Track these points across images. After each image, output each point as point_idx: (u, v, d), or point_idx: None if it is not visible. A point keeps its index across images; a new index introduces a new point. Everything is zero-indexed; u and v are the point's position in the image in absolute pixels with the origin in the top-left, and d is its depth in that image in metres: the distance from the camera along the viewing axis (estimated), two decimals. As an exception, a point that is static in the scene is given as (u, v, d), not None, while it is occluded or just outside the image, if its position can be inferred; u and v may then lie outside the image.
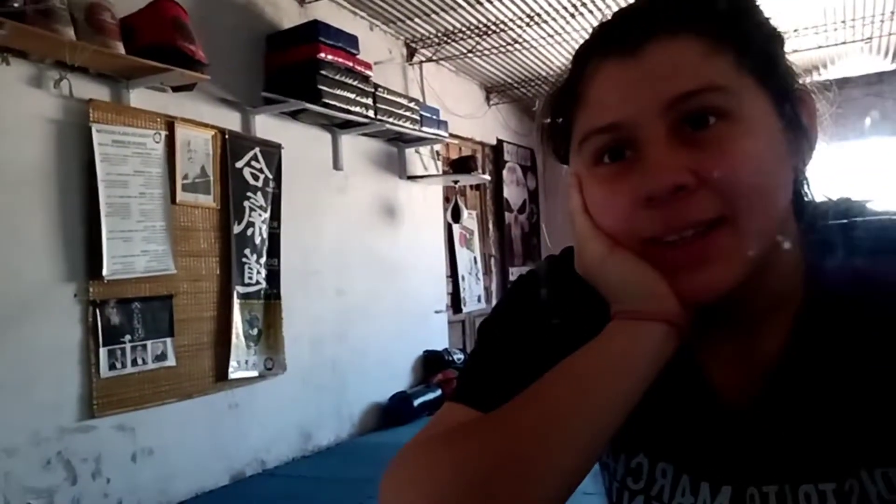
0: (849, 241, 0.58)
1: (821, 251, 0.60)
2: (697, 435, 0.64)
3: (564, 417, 0.55)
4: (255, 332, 3.43)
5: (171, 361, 2.99)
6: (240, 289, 3.33)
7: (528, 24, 4.58)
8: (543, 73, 5.70)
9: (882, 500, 0.57)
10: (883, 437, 0.57)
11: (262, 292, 3.46)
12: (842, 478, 0.58)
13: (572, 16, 4.44)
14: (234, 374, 3.28)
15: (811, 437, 0.60)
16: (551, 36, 4.80)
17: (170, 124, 2.98)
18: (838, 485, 0.58)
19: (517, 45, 4.96)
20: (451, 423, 0.61)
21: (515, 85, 5.99)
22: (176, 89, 2.97)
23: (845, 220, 0.61)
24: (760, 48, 0.58)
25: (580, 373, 0.56)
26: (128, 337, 2.82)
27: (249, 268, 3.39)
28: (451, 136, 5.01)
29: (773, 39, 0.60)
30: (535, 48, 5.06)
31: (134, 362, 2.84)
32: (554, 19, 4.51)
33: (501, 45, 4.95)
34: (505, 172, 6.29)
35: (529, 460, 0.53)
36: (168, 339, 2.98)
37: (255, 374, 3.41)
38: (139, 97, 2.87)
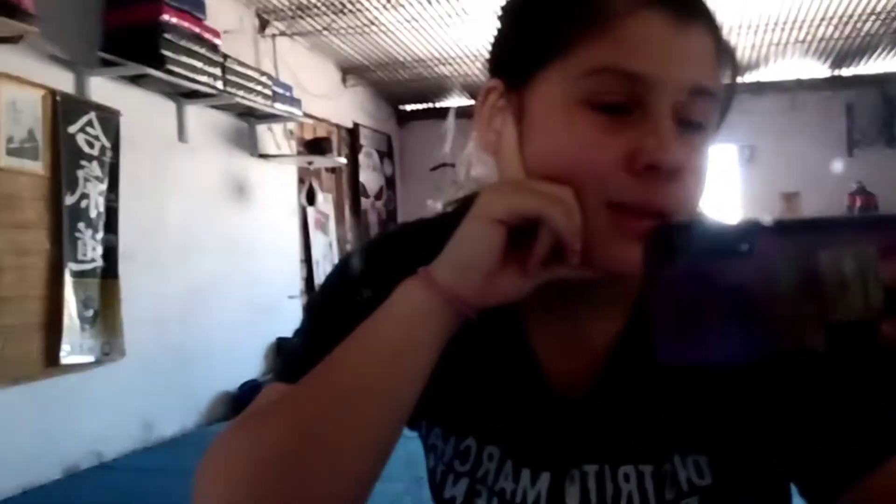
0: (691, 238, 0.66)
1: None
2: (524, 419, 0.66)
3: (354, 389, 0.56)
4: (91, 313, 3.28)
5: (-7, 343, 2.81)
6: (73, 266, 3.18)
7: (385, 7, 4.66)
8: (401, 58, 5.80)
9: (691, 483, 0.63)
10: (694, 428, 0.63)
11: (99, 270, 3.32)
12: (659, 461, 0.63)
13: (429, 2, 4.58)
14: (66, 358, 3.13)
15: (635, 423, 0.64)
16: (409, 21, 4.92)
17: (-8, 80, 2.80)
18: (656, 467, 0.63)
19: (374, 27, 5.04)
20: (264, 402, 0.62)
21: (372, 68, 6.06)
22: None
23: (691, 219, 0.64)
24: (732, 60, 0.62)
25: (368, 341, 0.57)
26: (-58, 314, 2.62)
27: (84, 243, 3.24)
28: (306, 115, 5.01)
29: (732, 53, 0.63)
30: (393, 32, 5.15)
31: (-51, 343, 2.65)
32: (411, 4, 4.62)
33: (358, 26, 5.01)
34: (361, 157, 6.36)
35: (323, 434, 0.55)
36: (-10, 319, 2.80)
37: (90, 359, 3.26)
38: (-44, 47, 2.68)
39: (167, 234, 3.84)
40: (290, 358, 0.67)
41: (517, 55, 0.61)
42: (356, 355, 0.57)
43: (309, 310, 0.71)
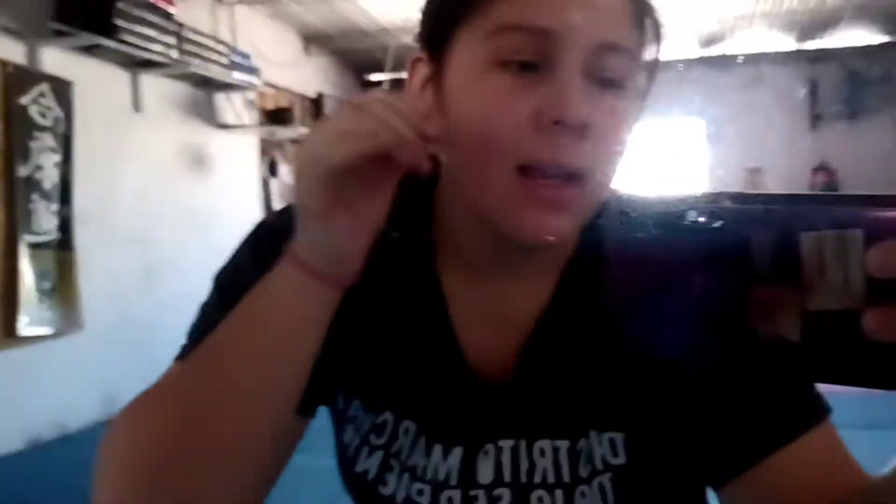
0: (655, 217, 0.61)
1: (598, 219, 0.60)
2: (441, 396, 0.66)
3: (235, 375, 0.57)
4: (48, 285, 3.36)
5: (-51, 315, 2.89)
6: (28, 238, 3.25)
7: (347, -28, 4.71)
8: (365, 28, 5.84)
9: (605, 461, 0.64)
10: (613, 405, 0.64)
11: (54, 242, 3.40)
12: (575, 437, 0.64)
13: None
14: (24, 330, 3.21)
15: (553, 399, 0.65)
16: (373, -12, 4.97)
17: (-61, 51, 2.86)
18: (571, 443, 0.64)
19: (336, -6, 5.08)
20: (159, 384, 0.63)
21: (336, 37, 6.10)
22: (-55, 11, 2.85)
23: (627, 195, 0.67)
24: (652, 17, 0.62)
25: (247, 324, 0.58)
26: None
27: (38, 215, 3.31)
28: (267, 84, 5.06)
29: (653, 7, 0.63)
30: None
31: None
32: (374, -31, 4.68)
33: (319, -7, 5.05)
34: (326, 128, 6.40)
35: (207, 423, 0.56)
36: (-55, 291, 2.88)
37: (49, 331, 3.35)
38: None
39: (124, 206, 3.91)
40: (190, 335, 0.67)
41: (433, 22, 0.63)
42: (236, 340, 0.58)
43: (214, 285, 0.70)
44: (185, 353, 0.65)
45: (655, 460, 0.65)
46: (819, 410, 0.62)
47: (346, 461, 0.70)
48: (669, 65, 6.36)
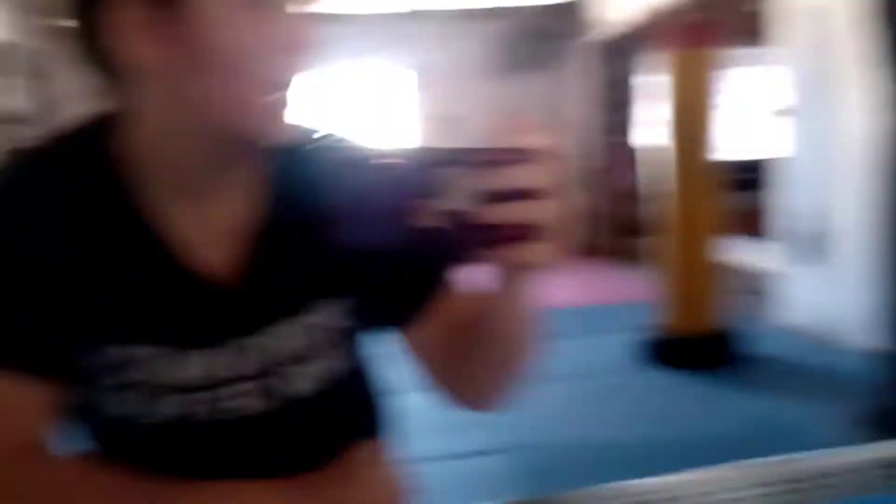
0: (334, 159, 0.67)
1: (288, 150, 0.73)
2: (168, 311, 0.71)
3: None
4: None
5: None
6: None
7: None
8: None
9: (333, 327, 0.77)
10: (331, 280, 0.76)
11: None
12: (307, 312, 0.75)
13: None
14: None
15: (285, 293, 0.75)
16: None
17: None
18: (305, 318, 0.75)
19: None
20: None
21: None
22: None
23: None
24: None
25: None
26: None
27: None
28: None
29: None
30: None
31: None
32: None
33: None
34: None
35: None
36: None
37: None
38: None
39: None
40: None
41: None
42: None
43: None
44: None
45: (359, 316, 0.79)
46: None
47: (96, 420, 0.74)
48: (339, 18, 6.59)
